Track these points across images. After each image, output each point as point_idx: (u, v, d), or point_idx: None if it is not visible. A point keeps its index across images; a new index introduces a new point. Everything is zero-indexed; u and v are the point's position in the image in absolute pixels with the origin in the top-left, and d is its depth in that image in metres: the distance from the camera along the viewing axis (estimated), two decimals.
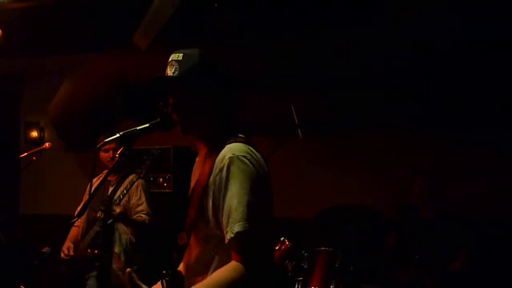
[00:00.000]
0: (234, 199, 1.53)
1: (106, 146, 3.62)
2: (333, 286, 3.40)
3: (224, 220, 1.55)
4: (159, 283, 1.74)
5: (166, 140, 4.48)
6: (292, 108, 3.67)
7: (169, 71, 1.67)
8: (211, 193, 1.60)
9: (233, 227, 1.51)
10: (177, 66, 1.65)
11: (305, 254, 3.60)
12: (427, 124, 4.28)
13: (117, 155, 1.65)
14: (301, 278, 3.52)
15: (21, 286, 1.46)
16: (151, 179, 4.67)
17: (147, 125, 1.67)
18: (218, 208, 1.58)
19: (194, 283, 1.62)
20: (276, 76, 4.21)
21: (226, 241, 1.53)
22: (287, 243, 3.53)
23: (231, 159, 1.56)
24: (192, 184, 1.73)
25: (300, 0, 3.79)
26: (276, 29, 4.01)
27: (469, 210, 3.97)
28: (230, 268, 1.53)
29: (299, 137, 3.64)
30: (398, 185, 4.12)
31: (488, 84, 4.07)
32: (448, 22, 3.61)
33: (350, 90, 4.24)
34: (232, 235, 1.51)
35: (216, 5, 3.70)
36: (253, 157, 1.61)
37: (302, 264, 3.57)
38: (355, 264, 3.57)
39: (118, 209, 3.36)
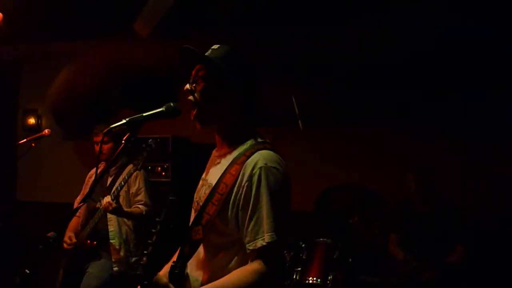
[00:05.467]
0: (264, 209, 1.61)
1: (95, 139, 3.73)
2: (331, 277, 3.40)
3: (251, 228, 1.61)
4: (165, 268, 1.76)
5: (165, 130, 4.47)
6: (293, 99, 3.65)
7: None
8: (237, 197, 1.64)
9: (263, 237, 1.59)
10: (210, 52, 1.76)
11: (303, 246, 3.60)
12: (426, 118, 4.28)
13: (123, 141, 1.64)
14: (299, 269, 3.53)
15: (26, 270, 1.45)
16: (149, 168, 4.65)
17: (153, 111, 1.68)
18: (242, 213, 1.63)
19: (205, 281, 1.67)
20: (277, 66, 4.19)
21: (253, 247, 1.61)
22: None
23: (263, 169, 1.62)
24: (210, 178, 1.76)
25: None
26: (278, 18, 3.99)
27: (464, 203, 3.99)
28: (251, 270, 1.60)
29: (299, 128, 3.63)
30: (398, 178, 4.13)
31: (485, 80, 4.08)
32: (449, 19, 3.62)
33: (351, 83, 4.23)
34: (263, 244, 1.59)
35: None
36: (283, 168, 1.68)
37: (301, 255, 3.58)
38: (354, 256, 3.58)
39: (106, 199, 3.33)
